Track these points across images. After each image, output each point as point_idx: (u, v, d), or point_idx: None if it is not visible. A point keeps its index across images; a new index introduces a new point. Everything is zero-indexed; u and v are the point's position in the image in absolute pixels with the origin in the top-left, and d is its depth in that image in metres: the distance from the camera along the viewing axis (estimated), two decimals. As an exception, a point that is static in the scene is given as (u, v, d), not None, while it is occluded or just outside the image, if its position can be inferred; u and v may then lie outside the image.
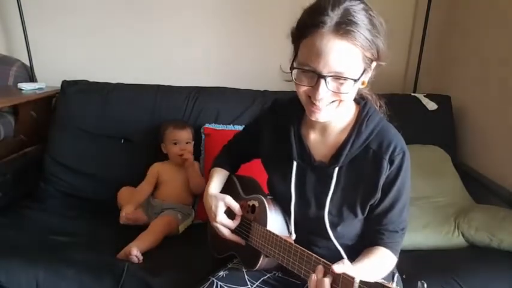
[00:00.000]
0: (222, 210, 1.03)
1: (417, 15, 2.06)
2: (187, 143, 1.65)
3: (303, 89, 0.82)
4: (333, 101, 0.82)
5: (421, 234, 1.40)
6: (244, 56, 2.10)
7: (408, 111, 1.81)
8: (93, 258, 1.27)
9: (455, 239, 1.39)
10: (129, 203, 1.55)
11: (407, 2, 2.05)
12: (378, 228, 0.91)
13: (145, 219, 1.56)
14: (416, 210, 1.48)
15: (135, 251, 1.28)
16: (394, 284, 0.62)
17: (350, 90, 0.80)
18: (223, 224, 1.02)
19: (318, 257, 0.78)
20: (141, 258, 1.30)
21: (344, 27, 0.74)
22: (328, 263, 0.75)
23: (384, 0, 1.96)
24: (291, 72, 0.83)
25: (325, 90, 0.78)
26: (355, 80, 0.78)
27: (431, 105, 1.82)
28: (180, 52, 2.12)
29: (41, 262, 1.22)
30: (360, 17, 0.76)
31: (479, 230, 1.36)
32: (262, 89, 1.87)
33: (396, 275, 0.63)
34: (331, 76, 0.77)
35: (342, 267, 0.72)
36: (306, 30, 0.78)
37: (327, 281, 0.72)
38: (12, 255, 1.24)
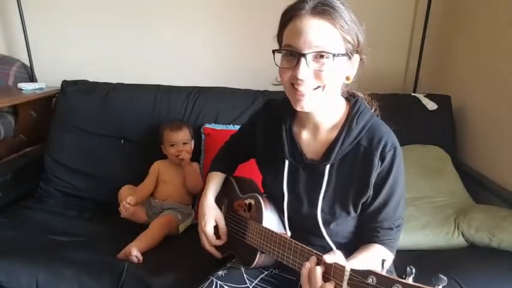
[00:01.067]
0: (212, 223, 1.08)
1: (417, 15, 2.06)
2: (184, 143, 1.65)
3: (286, 76, 0.84)
4: (317, 88, 0.83)
5: (421, 234, 1.40)
6: (244, 56, 2.10)
7: (408, 111, 1.81)
8: (93, 258, 1.27)
9: (455, 239, 1.39)
10: (132, 195, 1.56)
11: (408, 2, 2.05)
12: (373, 226, 0.91)
13: (145, 218, 1.57)
14: (416, 211, 1.48)
15: (135, 252, 1.28)
16: (384, 270, 0.63)
17: (330, 69, 0.81)
18: (207, 235, 1.08)
19: (311, 249, 0.80)
20: (141, 258, 1.30)
21: (320, 7, 0.79)
22: (320, 254, 0.77)
23: (384, 0, 1.99)
24: (274, 56, 0.86)
25: (305, 68, 0.80)
26: (334, 55, 0.80)
27: (431, 105, 1.82)
28: (180, 52, 2.12)
29: (41, 262, 1.22)
30: (338, 5, 0.81)
31: (479, 230, 1.36)
32: (262, 89, 1.87)
33: (386, 261, 0.64)
34: (311, 53, 0.80)
35: (333, 257, 0.74)
36: (287, 17, 0.83)
37: (319, 269, 0.74)
38: (12, 255, 1.24)
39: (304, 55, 0.79)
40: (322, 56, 0.80)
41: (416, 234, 1.39)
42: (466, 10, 1.88)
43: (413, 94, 1.92)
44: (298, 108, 0.86)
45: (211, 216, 1.08)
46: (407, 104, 1.84)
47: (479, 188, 1.65)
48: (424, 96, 1.86)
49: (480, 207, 1.50)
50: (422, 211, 1.49)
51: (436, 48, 2.06)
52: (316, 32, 0.79)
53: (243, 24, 2.07)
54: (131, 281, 1.20)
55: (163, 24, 2.07)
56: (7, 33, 2.10)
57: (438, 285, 0.56)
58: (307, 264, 0.77)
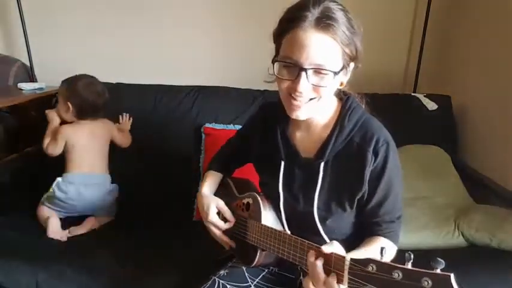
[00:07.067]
0: (214, 210, 1.07)
1: (417, 15, 2.06)
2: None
3: (284, 85, 0.84)
4: (312, 99, 0.84)
5: (421, 234, 1.40)
6: (244, 56, 2.10)
7: (408, 111, 1.81)
8: (92, 258, 1.28)
9: (455, 239, 1.39)
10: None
11: (407, 3, 2.05)
12: (375, 221, 0.92)
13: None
14: (416, 211, 1.48)
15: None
16: (384, 258, 0.63)
17: (329, 85, 0.82)
18: (214, 223, 1.06)
19: (310, 243, 0.80)
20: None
21: (324, 21, 0.78)
22: (319, 246, 0.77)
23: (384, 0, 2.00)
24: (273, 66, 0.86)
25: (305, 83, 0.80)
26: (335, 73, 0.81)
27: (431, 105, 1.82)
28: (180, 52, 2.12)
29: (41, 262, 1.23)
30: (339, 14, 0.80)
31: (479, 230, 1.36)
32: (262, 89, 1.87)
33: (385, 249, 0.64)
34: (311, 69, 0.80)
35: (331, 247, 0.74)
36: (288, 25, 0.82)
37: (319, 263, 0.74)
38: (12, 255, 1.24)
39: (305, 69, 0.80)
40: (322, 72, 0.80)
41: (416, 235, 1.39)
42: (466, 10, 1.88)
43: (413, 94, 1.92)
44: (293, 117, 0.88)
45: (212, 204, 1.07)
46: (407, 104, 1.84)
47: (479, 188, 1.64)
48: (424, 96, 1.86)
49: (480, 207, 1.50)
50: (422, 211, 1.49)
51: (436, 48, 2.06)
52: (318, 48, 0.79)
53: (243, 24, 2.07)
54: (130, 281, 1.20)
55: (163, 24, 2.08)
56: (7, 33, 2.11)
57: (436, 268, 0.56)
58: (311, 259, 0.76)
